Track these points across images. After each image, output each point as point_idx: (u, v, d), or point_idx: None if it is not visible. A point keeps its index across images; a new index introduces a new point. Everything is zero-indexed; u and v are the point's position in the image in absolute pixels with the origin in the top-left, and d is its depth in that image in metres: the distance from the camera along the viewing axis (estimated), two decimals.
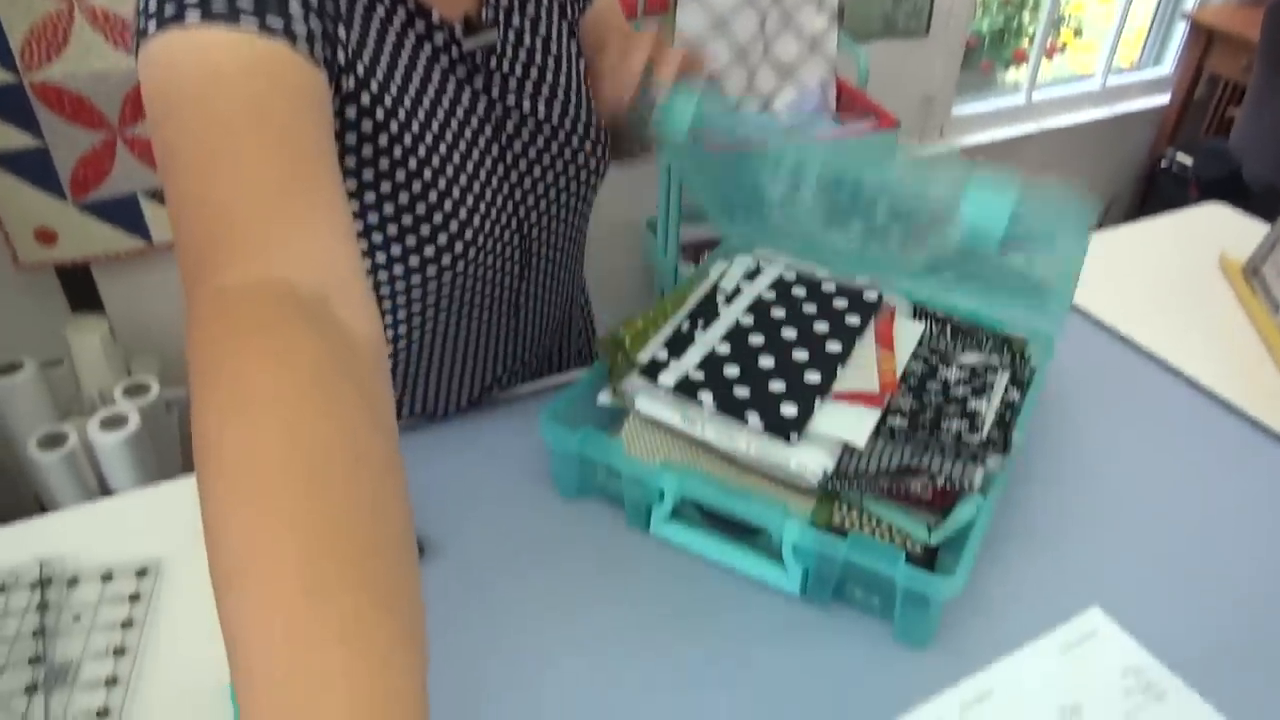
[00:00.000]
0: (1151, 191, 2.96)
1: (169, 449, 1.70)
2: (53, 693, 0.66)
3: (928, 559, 0.73)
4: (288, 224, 0.48)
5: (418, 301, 0.79)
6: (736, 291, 0.92)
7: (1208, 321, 1.11)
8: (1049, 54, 2.94)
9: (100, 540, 0.78)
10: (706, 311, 0.88)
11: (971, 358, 0.87)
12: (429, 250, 0.74)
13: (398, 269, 0.75)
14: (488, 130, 0.78)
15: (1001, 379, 0.84)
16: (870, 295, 0.91)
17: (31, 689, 0.66)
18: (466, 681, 0.67)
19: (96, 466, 1.55)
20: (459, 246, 0.76)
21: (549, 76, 0.81)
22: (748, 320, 0.87)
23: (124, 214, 1.67)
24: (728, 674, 0.69)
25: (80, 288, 1.73)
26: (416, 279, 0.76)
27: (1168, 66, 3.05)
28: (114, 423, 1.51)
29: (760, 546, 0.75)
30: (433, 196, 0.73)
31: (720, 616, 0.73)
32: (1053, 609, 0.74)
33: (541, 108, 0.81)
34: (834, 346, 0.83)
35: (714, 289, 0.92)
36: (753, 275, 0.95)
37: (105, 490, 1.55)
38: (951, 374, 0.84)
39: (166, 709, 0.65)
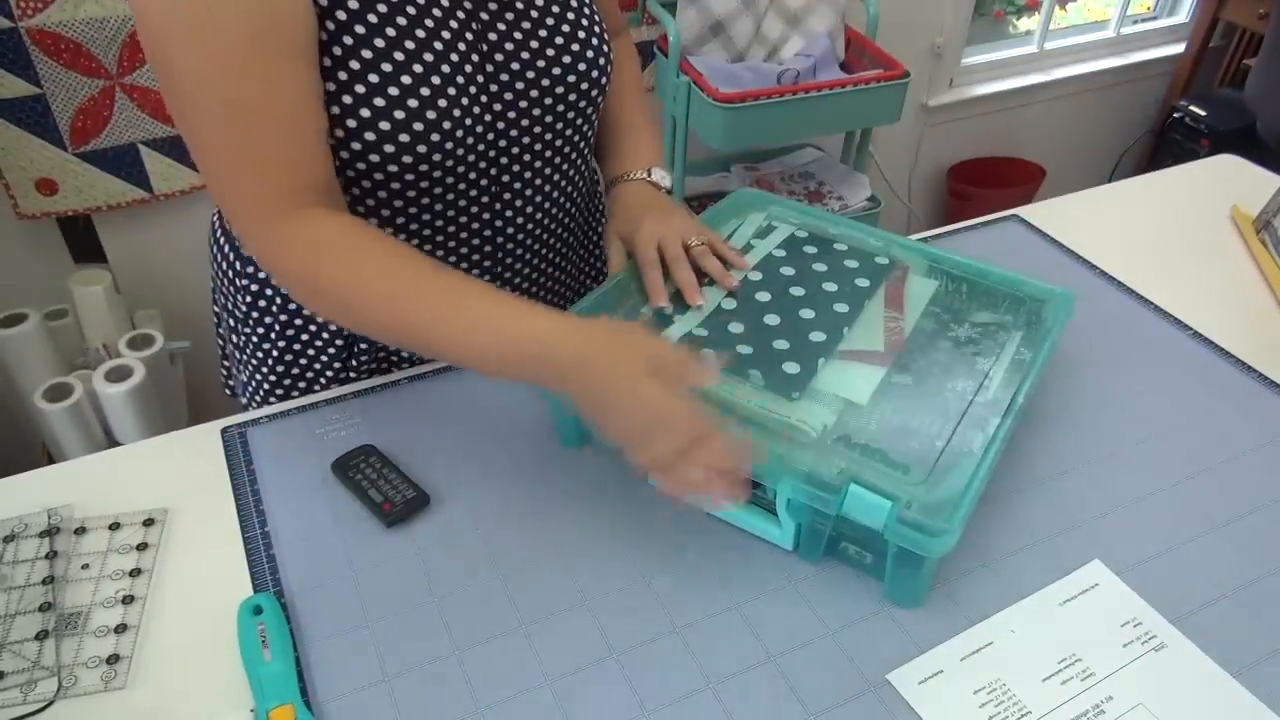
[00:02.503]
0: (1161, 145, 2.91)
1: (173, 400, 1.71)
2: (63, 639, 0.67)
3: (925, 518, 0.73)
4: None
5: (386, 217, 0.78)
6: (748, 248, 0.92)
7: (1218, 275, 1.10)
8: (1062, 3, 2.88)
9: (107, 491, 0.78)
10: None
11: (985, 316, 0.86)
12: (388, 148, 0.72)
13: (360, 165, 0.73)
14: (456, 19, 0.73)
15: (1014, 338, 0.83)
16: (882, 259, 0.90)
17: (42, 635, 0.67)
18: (470, 630, 0.68)
19: (102, 418, 1.55)
20: (417, 148, 0.72)
21: None
22: (756, 276, 0.87)
23: (124, 164, 1.65)
24: (725, 625, 0.69)
25: (82, 239, 1.73)
26: (379, 176, 0.74)
27: (1184, 14, 2.98)
28: (119, 374, 1.52)
29: (759, 500, 0.75)
30: (393, 91, 0.70)
31: (719, 567, 0.73)
32: (1054, 562, 0.74)
33: None
34: (841, 307, 0.82)
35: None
36: (764, 233, 0.94)
37: (111, 441, 1.56)
38: (963, 332, 0.83)
39: (176, 655, 0.66)
